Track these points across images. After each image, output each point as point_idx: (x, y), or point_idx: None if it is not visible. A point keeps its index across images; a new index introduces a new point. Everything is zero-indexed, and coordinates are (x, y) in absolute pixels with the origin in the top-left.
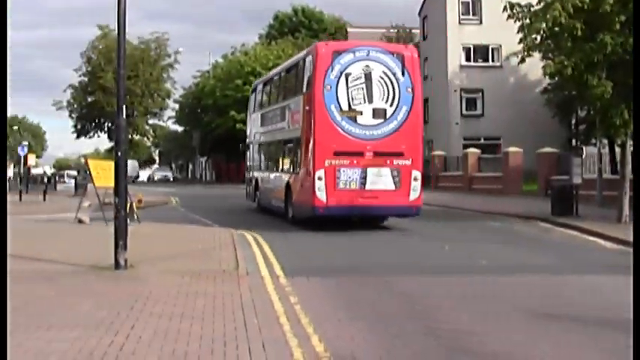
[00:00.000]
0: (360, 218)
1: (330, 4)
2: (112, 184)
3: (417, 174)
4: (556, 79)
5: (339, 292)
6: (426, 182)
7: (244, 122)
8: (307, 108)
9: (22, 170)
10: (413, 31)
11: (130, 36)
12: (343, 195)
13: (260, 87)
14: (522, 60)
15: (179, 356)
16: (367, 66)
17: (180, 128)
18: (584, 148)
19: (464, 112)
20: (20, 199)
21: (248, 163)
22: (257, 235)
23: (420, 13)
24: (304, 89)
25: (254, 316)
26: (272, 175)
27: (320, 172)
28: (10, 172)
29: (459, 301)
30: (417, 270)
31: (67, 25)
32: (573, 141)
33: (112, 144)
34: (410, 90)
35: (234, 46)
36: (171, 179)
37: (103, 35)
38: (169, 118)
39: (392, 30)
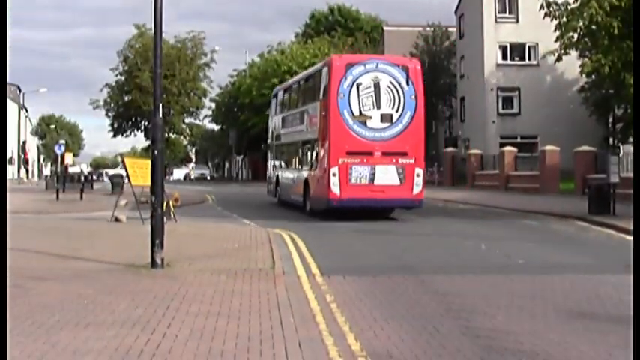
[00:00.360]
0: (370, 210)
1: (366, 3)
2: (148, 182)
3: (419, 171)
4: (593, 77)
5: (376, 290)
6: (462, 181)
7: None
8: (324, 113)
9: (59, 169)
10: (449, 29)
11: (166, 35)
12: (355, 189)
13: (281, 93)
14: (559, 58)
15: (215, 355)
16: (376, 76)
17: (216, 127)
18: (621, 147)
19: (500, 110)
20: (57, 198)
21: (269, 162)
22: (293, 234)
23: (456, 12)
24: (321, 96)
25: (290, 314)
26: (292, 173)
27: (334, 169)
28: (47, 170)
29: (496, 300)
30: (454, 269)
31: (104, 24)
32: (610, 139)
33: (148, 143)
34: (413, 97)
35: (270, 45)
36: (209, 178)
37: (139, 34)
38: (206, 116)
39: (428, 28)
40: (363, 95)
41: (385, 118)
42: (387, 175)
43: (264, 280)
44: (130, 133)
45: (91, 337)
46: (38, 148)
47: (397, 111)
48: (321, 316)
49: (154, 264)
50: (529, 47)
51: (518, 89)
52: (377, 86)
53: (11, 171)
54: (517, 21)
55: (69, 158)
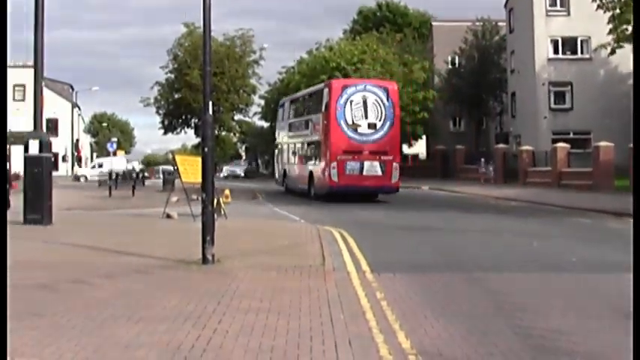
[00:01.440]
0: (359, 194)
1: None
2: (199, 179)
3: (396, 165)
4: None
5: (426, 288)
6: (513, 177)
7: None
8: (325, 122)
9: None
10: (499, 23)
11: (215, 33)
12: (348, 178)
13: (287, 104)
14: (612, 52)
15: (265, 351)
16: (364, 95)
17: (266, 124)
18: None
19: (552, 105)
20: (110, 195)
21: (277, 159)
22: (343, 231)
23: (505, 6)
24: (323, 109)
25: (340, 311)
26: (298, 167)
27: (334, 164)
28: None
29: (548, 299)
30: (505, 267)
31: (152, 23)
32: None
33: (198, 140)
34: (392, 110)
35: (318, 42)
36: (243, 175)
37: (188, 33)
38: (255, 114)
39: (477, 23)
40: (354, 109)
41: (371, 125)
42: (372, 168)
43: (314, 276)
44: (181, 130)
45: (143, 331)
46: (91, 145)
47: (380, 120)
48: (372, 314)
49: (204, 260)
50: (581, 41)
51: (570, 84)
52: (365, 102)
53: (65, 168)
54: (568, 14)
55: (120, 156)
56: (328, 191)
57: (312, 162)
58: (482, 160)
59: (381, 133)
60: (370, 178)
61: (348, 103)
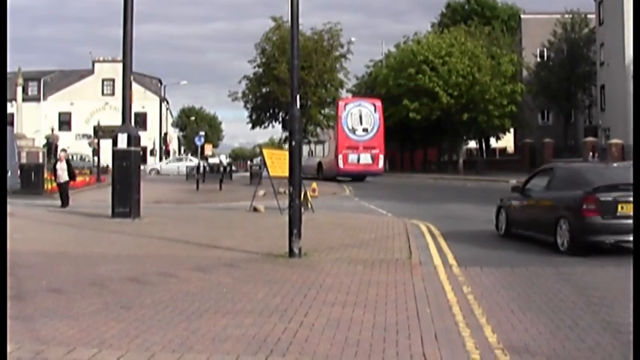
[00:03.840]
0: (357, 175)
1: None
2: (286, 173)
3: (382, 156)
4: None
5: (513, 282)
6: None
7: (417, 111)
8: (334, 127)
9: (199, 160)
10: (588, 16)
11: (303, 27)
12: (350, 165)
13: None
14: None
15: (351, 344)
16: (360, 109)
17: None
18: None
19: None
20: (197, 188)
21: None
22: (430, 225)
23: None
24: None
25: (426, 305)
26: (307, 159)
27: (340, 155)
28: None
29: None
30: (593, 261)
31: (239, 18)
32: None
33: (286, 134)
34: (378, 119)
35: (406, 35)
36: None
37: (276, 27)
38: None
39: (566, 15)
40: (353, 118)
41: (365, 130)
42: (366, 158)
43: (400, 270)
44: (268, 124)
45: (229, 324)
46: (179, 139)
47: (370, 126)
48: (458, 308)
49: (291, 253)
50: None
51: None
52: (360, 114)
53: (153, 162)
54: None
55: (208, 149)
56: (335, 174)
57: (321, 155)
58: (593, 154)
59: (371, 135)
60: (364, 165)
61: (349, 114)
